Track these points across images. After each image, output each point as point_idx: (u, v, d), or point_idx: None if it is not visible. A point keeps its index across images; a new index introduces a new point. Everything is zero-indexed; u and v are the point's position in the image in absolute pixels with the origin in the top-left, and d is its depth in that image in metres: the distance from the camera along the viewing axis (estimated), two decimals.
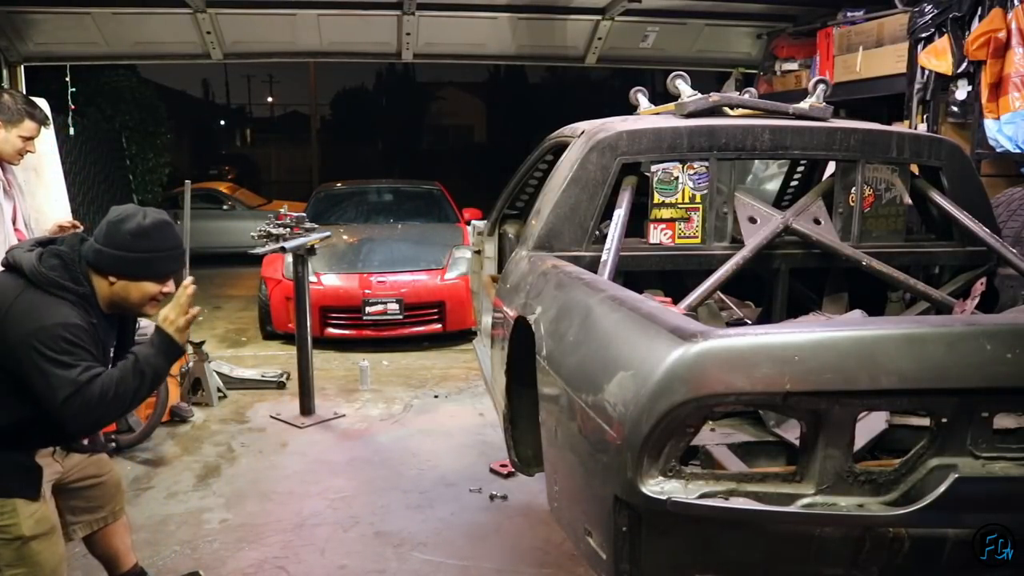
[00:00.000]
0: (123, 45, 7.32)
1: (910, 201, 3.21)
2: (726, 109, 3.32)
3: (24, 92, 6.80)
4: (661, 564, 1.90)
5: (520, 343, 2.71)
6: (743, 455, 2.39)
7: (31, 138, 3.56)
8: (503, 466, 4.27)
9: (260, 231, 5.19)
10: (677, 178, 3.02)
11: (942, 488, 1.75)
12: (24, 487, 2.43)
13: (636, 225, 3.05)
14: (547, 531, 3.64)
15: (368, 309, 7.09)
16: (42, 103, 5.11)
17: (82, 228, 3.97)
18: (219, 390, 5.67)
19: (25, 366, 2.24)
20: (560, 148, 3.41)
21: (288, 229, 5.21)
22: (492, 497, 4.07)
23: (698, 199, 3.04)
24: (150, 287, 2.44)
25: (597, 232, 3.02)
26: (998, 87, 4.66)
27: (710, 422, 2.51)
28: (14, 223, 3.57)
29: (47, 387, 2.23)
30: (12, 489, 2.41)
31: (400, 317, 7.16)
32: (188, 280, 2.43)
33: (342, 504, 4.01)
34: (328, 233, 6.01)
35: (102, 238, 2.39)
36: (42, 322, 2.25)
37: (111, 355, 2.55)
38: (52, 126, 5.21)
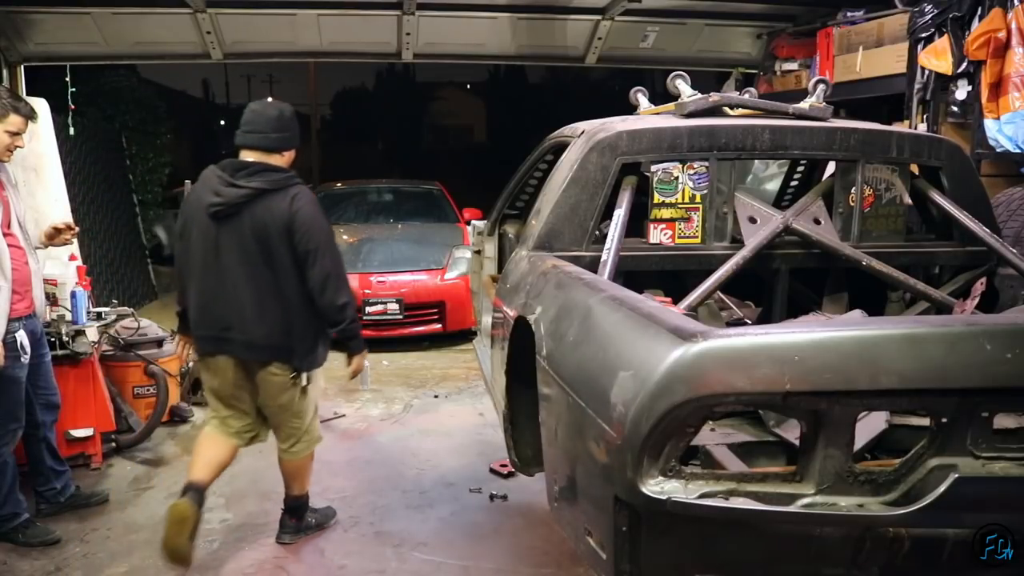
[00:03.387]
0: (123, 45, 7.31)
1: (910, 201, 3.21)
2: (726, 109, 3.32)
3: (24, 92, 6.81)
4: (661, 564, 1.90)
5: (520, 343, 2.71)
6: (743, 455, 2.39)
7: (18, 133, 3.46)
8: (503, 466, 4.26)
9: None
10: (677, 178, 3.02)
11: (942, 488, 1.75)
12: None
13: (636, 225, 3.06)
14: (547, 531, 3.64)
15: (368, 309, 7.09)
16: (42, 103, 5.12)
17: (78, 230, 3.96)
18: None
19: None
20: (560, 148, 3.41)
21: None
22: (492, 497, 4.06)
23: (698, 199, 3.04)
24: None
25: (597, 232, 3.03)
26: (998, 87, 4.66)
27: (710, 422, 2.51)
28: (8, 226, 3.45)
29: None
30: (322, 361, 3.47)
31: (400, 317, 7.16)
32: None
33: (342, 504, 4.01)
34: None
35: None
36: None
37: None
38: (52, 126, 5.22)
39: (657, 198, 3.03)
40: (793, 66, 7.40)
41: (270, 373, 3.30)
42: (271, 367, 3.29)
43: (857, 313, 3.12)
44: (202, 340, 3.35)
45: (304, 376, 3.36)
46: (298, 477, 3.58)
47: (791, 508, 1.79)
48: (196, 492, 3.25)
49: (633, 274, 3.06)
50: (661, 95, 3.61)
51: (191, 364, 5.49)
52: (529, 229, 3.17)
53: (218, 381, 3.37)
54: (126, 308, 5.04)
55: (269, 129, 3.26)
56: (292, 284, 3.22)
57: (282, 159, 3.30)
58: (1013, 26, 4.54)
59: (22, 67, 7.19)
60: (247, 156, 3.28)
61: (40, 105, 4.95)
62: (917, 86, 5.37)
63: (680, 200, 3.04)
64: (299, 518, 3.64)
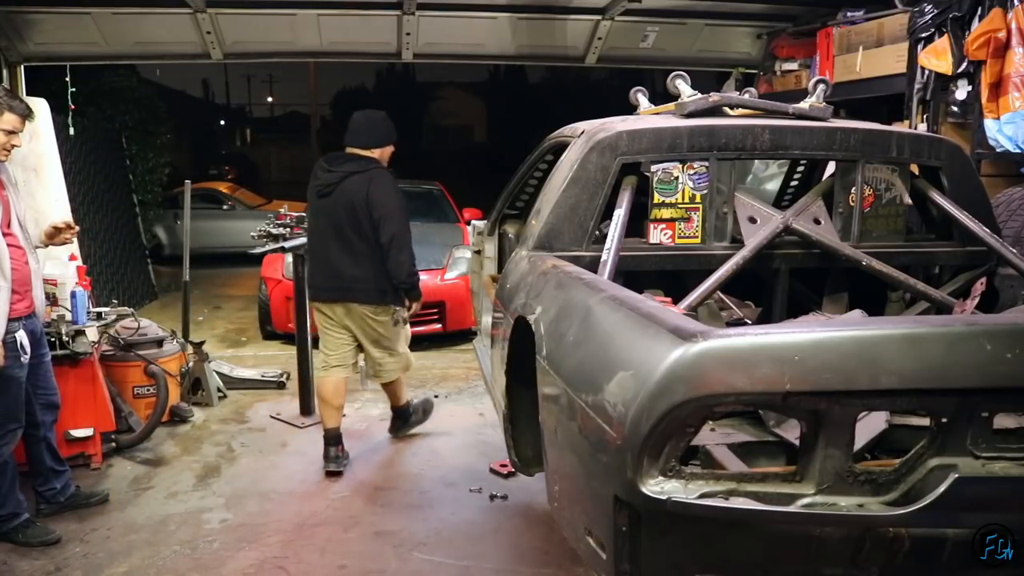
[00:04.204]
0: (123, 45, 7.31)
1: (910, 201, 3.21)
2: (726, 109, 3.32)
3: (24, 92, 6.81)
4: (661, 564, 1.90)
5: (520, 343, 2.71)
6: (743, 455, 2.39)
7: (14, 132, 3.44)
8: (503, 466, 4.26)
9: (260, 231, 5.20)
10: (677, 178, 3.02)
11: (942, 488, 1.75)
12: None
13: (636, 225, 3.06)
14: (547, 531, 3.64)
15: None
16: (42, 103, 5.12)
17: (78, 229, 3.97)
18: (219, 390, 5.67)
19: None
20: (560, 148, 3.41)
21: (288, 229, 5.21)
22: (492, 497, 4.06)
23: (698, 199, 3.04)
24: None
25: (597, 232, 3.03)
26: (998, 87, 4.65)
27: (710, 422, 2.51)
28: (8, 226, 3.45)
29: None
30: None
31: None
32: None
33: (342, 504, 4.01)
34: None
35: None
36: None
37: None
38: (52, 126, 5.22)
39: (657, 198, 3.03)
40: (793, 66, 7.40)
41: (368, 312, 4.27)
42: (368, 307, 4.26)
43: (857, 313, 3.12)
44: (317, 290, 4.37)
45: (395, 312, 4.31)
46: (394, 393, 4.75)
47: (791, 508, 1.79)
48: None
49: (633, 274, 3.06)
50: (661, 95, 3.61)
51: (191, 364, 5.50)
52: (529, 229, 3.17)
53: (330, 322, 4.36)
54: (126, 308, 5.04)
55: (359, 132, 4.28)
56: (376, 243, 4.14)
57: (374, 153, 4.25)
58: (1013, 26, 4.54)
59: (22, 67, 7.19)
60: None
61: (40, 105, 4.96)
62: (917, 86, 5.37)
63: (680, 200, 3.04)
64: (404, 420, 4.84)
